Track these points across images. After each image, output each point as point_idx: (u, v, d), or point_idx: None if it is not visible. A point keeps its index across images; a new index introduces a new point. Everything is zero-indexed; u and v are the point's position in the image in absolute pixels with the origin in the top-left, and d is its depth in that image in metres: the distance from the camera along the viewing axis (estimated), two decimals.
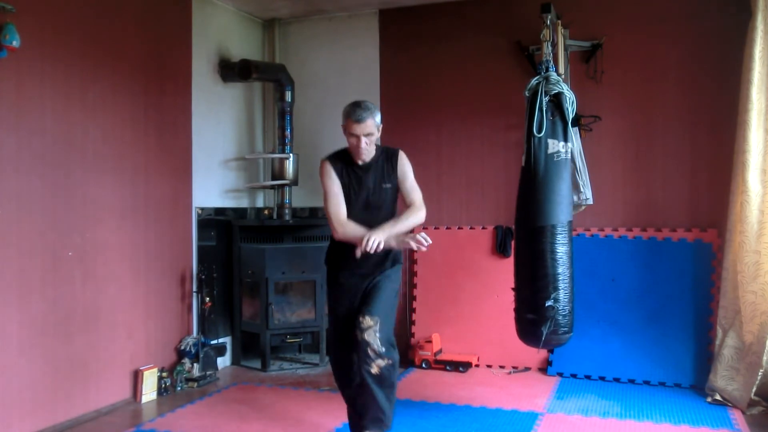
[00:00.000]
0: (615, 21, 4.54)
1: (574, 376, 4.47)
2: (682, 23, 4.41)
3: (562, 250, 3.47)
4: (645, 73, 4.50)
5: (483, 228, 4.88)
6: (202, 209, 4.72)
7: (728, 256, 3.97)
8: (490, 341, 4.76)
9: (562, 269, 3.46)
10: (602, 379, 4.40)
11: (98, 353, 3.83)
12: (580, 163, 4.20)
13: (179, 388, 4.31)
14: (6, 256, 3.30)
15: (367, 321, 2.94)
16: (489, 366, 4.76)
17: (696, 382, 4.18)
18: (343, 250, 3.06)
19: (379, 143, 3.14)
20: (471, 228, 4.92)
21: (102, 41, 3.86)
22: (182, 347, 4.42)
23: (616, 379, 4.37)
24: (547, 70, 3.60)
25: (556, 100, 3.52)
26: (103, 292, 3.87)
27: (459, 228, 4.96)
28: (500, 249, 4.77)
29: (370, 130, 2.94)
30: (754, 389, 3.71)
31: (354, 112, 2.92)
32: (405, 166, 3.12)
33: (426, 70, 5.06)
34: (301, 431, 3.54)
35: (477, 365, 4.77)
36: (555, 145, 3.49)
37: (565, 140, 3.51)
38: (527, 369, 4.65)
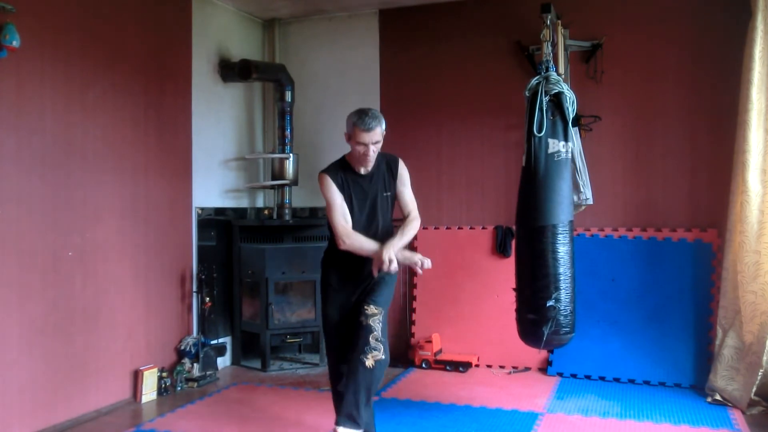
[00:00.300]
0: (615, 21, 4.54)
1: (574, 376, 4.47)
2: (682, 23, 4.42)
3: (563, 249, 3.46)
4: (645, 73, 4.50)
5: (483, 228, 4.88)
6: (202, 209, 4.72)
7: (728, 256, 3.97)
8: (490, 341, 4.76)
9: (564, 269, 3.46)
10: (602, 379, 4.40)
11: (98, 353, 3.83)
12: (580, 163, 4.20)
13: (179, 388, 4.31)
14: (6, 256, 3.30)
15: (372, 309, 2.95)
16: (489, 366, 4.76)
17: (696, 382, 4.18)
18: (340, 255, 3.04)
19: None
20: (471, 228, 4.92)
21: (102, 41, 3.86)
22: (182, 347, 4.42)
23: (616, 379, 4.37)
24: (547, 69, 3.59)
25: (557, 100, 3.52)
26: (103, 292, 3.87)
27: (459, 228, 4.96)
28: (500, 249, 4.77)
29: (378, 138, 2.91)
30: (754, 389, 3.71)
31: (363, 120, 2.87)
32: (405, 175, 3.12)
33: (426, 70, 5.06)
34: (300, 431, 3.54)
35: (477, 365, 4.77)
36: (555, 145, 3.49)
37: (566, 140, 3.51)
38: (527, 369, 4.65)
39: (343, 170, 3.04)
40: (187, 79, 4.59)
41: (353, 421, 2.88)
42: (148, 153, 4.21)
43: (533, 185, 3.51)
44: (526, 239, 3.58)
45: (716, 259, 4.25)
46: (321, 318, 3.23)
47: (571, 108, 3.54)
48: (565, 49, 4.34)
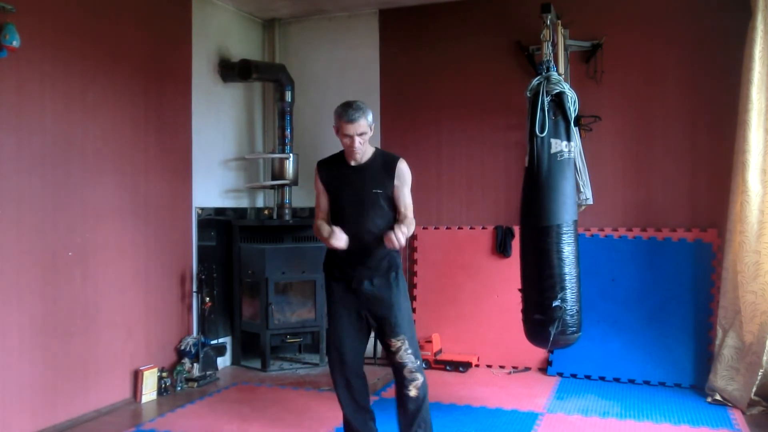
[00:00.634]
0: (615, 21, 4.54)
1: (574, 376, 4.47)
2: (682, 23, 4.42)
3: (568, 249, 3.46)
4: (645, 73, 4.50)
5: (483, 228, 4.88)
6: (202, 209, 4.72)
7: (728, 256, 3.97)
8: (490, 341, 4.76)
9: (569, 269, 3.46)
10: (602, 379, 4.40)
11: (98, 353, 3.83)
12: (580, 163, 4.20)
13: (179, 388, 4.31)
14: (6, 256, 3.30)
15: (395, 343, 2.94)
16: (489, 366, 4.76)
17: (696, 382, 4.18)
18: (335, 259, 3.04)
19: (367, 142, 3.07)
20: (471, 228, 4.92)
21: (102, 41, 3.86)
22: (182, 347, 4.42)
23: (616, 379, 4.37)
24: (548, 70, 3.59)
25: (558, 100, 3.52)
26: (103, 292, 3.87)
27: (459, 228, 4.96)
28: (500, 249, 4.77)
29: (363, 130, 2.90)
30: (754, 389, 3.71)
31: (346, 112, 2.88)
32: (405, 176, 2.99)
33: (426, 70, 5.06)
34: (300, 431, 3.54)
35: (477, 365, 4.77)
36: (558, 145, 3.49)
37: (568, 139, 3.51)
38: (527, 369, 4.65)
39: (337, 162, 3.06)
40: (187, 79, 4.59)
41: None
42: (148, 153, 4.21)
43: (537, 186, 3.51)
44: (530, 240, 3.58)
45: (716, 259, 4.25)
46: (327, 319, 3.18)
47: (572, 107, 3.54)
48: (565, 49, 4.34)
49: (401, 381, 2.96)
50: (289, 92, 5.11)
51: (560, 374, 4.50)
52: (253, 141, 5.38)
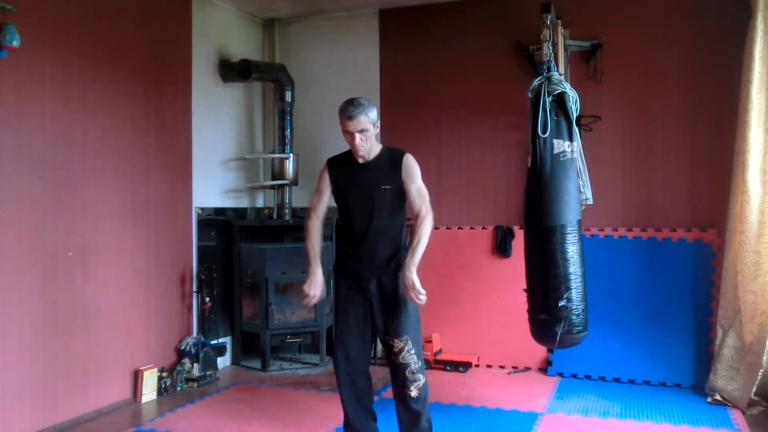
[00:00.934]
0: (615, 21, 4.54)
1: (574, 376, 4.47)
2: (682, 23, 4.41)
3: (572, 249, 3.47)
4: (645, 73, 4.50)
5: (483, 228, 4.88)
6: (202, 209, 4.72)
7: (728, 256, 3.97)
8: (490, 341, 4.76)
9: (574, 268, 3.46)
10: (602, 379, 4.40)
11: (98, 353, 3.83)
12: (580, 163, 4.19)
13: (179, 388, 4.31)
14: (6, 256, 3.30)
15: (398, 343, 2.93)
16: (489, 366, 4.76)
17: (696, 382, 4.18)
18: (344, 257, 3.04)
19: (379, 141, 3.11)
20: (471, 228, 4.92)
21: (102, 41, 3.86)
22: (182, 347, 4.42)
23: (616, 379, 4.37)
24: (548, 70, 3.60)
25: (560, 100, 3.52)
26: (103, 292, 3.86)
27: (459, 228, 4.96)
28: (500, 249, 4.77)
29: (364, 126, 2.88)
30: (754, 389, 3.71)
31: (346, 109, 2.88)
32: (411, 169, 2.97)
33: (426, 70, 5.06)
34: (300, 431, 3.54)
35: (477, 365, 4.77)
36: (561, 145, 3.49)
37: (571, 140, 3.51)
38: (527, 369, 4.65)
39: (344, 161, 3.05)
40: (187, 79, 4.59)
41: None
42: (148, 153, 4.21)
43: (540, 187, 3.51)
44: (535, 240, 3.58)
45: (716, 259, 4.25)
46: (334, 319, 3.13)
47: (574, 107, 3.54)
48: (565, 49, 4.34)
49: (403, 381, 2.95)
50: (289, 92, 5.11)
51: (560, 374, 4.50)
52: (253, 141, 5.38)
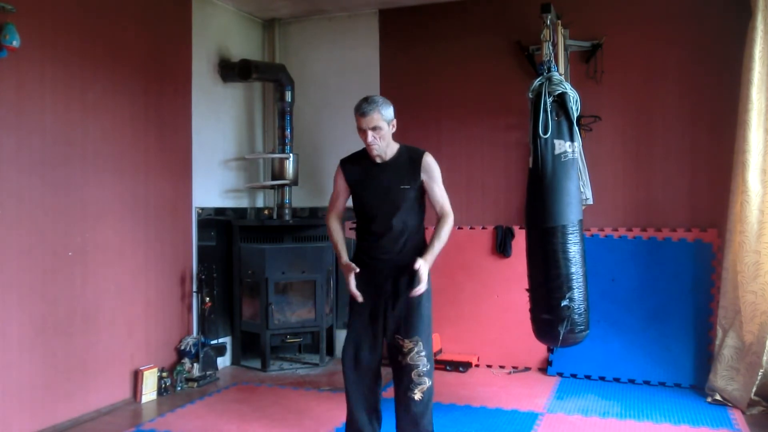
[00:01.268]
0: (615, 21, 4.54)
1: (574, 376, 4.47)
2: (682, 23, 4.41)
3: (574, 249, 3.47)
4: (645, 73, 4.50)
5: (483, 228, 4.88)
6: (202, 209, 4.72)
7: (728, 256, 3.97)
8: (490, 341, 4.76)
9: (576, 268, 3.47)
10: (602, 379, 4.40)
11: (98, 353, 3.83)
12: (580, 163, 4.19)
13: (179, 388, 4.31)
14: (6, 255, 3.30)
15: (407, 344, 2.91)
16: (489, 366, 4.76)
17: (696, 382, 4.18)
18: (362, 255, 3.01)
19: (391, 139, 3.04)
20: (471, 228, 4.92)
21: (102, 41, 3.86)
22: (182, 347, 4.42)
23: (616, 379, 4.37)
24: (549, 70, 3.60)
25: (560, 100, 3.52)
26: (103, 292, 3.87)
27: (459, 228, 4.95)
28: (500, 249, 4.77)
29: (376, 124, 2.86)
30: (754, 389, 3.71)
31: (360, 106, 2.87)
32: (432, 170, 2.99)
33: (426, 70, 5.06)
34: (300, 431, 3.55)
35: (477, 365, 4.77)
36: (562, 146, 3.49)
37: (572, 140, 3.51)
38: (527, 369, 4.65)
39: (361, 159, 3.03)
40: (187, 79, 4.59)
41: None
42: (148, 153, 4.21)
43: (541, 187, 3.51)
44: (536, 241, 3.59)
45: (716, 259, 4.25)
46: (347, 319, 3.13)
47: (575, 108, 3.54)
48: (565, 49, 4.34)
49: (407, 383, 2.91)
50: (289, 92, 5.11)
51: (560, 374, 4.50)
52: (253, 141, 5.38)
